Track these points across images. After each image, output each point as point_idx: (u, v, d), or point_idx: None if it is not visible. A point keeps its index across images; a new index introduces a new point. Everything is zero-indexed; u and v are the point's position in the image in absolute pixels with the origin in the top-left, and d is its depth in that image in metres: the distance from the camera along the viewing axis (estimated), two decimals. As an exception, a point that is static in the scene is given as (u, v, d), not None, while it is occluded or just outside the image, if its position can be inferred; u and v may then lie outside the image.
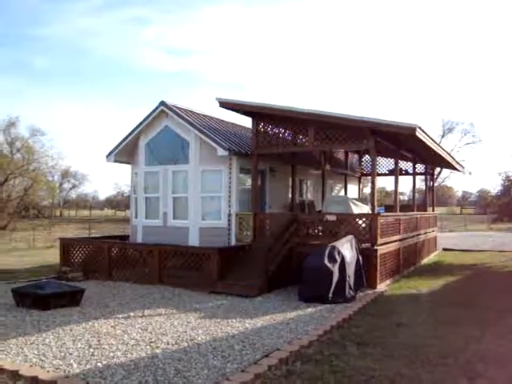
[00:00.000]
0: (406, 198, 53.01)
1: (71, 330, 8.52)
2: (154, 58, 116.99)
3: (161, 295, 12.13)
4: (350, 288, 11.35)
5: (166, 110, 14.91)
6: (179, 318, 9.57)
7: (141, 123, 15.40)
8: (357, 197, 22.88)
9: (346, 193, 22.27)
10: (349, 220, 13.15)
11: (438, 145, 16.28)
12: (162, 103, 14.92)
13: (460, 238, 27.19)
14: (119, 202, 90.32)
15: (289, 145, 14.22)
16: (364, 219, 13.00)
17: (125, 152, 16.07)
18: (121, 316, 9.77)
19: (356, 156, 22.83)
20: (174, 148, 15.02)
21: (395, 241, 14.52)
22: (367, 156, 22.90)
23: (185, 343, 7.74)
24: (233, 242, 14.29)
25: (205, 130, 14.25)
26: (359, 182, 24.02)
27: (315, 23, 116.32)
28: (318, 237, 13.48)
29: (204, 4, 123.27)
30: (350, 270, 11.52)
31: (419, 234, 18.04)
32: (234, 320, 9.38)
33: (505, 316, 9.77)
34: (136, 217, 15.97)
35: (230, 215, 14.33)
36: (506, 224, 45.63)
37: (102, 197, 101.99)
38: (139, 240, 15.49)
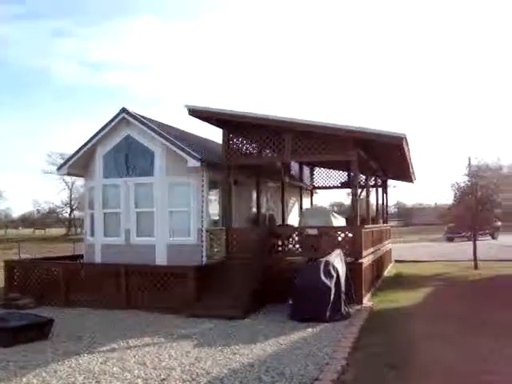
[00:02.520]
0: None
1: (56, 372, 7.15)
2: (73, 71, 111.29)
3: (134, 321, 10.89)
4: (345, 304, 10.79)
5: (128, 118, 13.64)
6: (173, 348, 8.47)
7: (98, 132, 13.97)
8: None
9: (301, 206, 21.90)
10: (331, 233, 12.62)
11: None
12: (124, 110, 13.64)
13: (400, 249, 27.73)
14: (36, 221, 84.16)
15: (262, 156, 13.50)
16: (347, 232, 12.55)
17: (79, 164, 14.51)
18: (104, 349, 8.47)
19: (308, 169, 22.58)
20: (137, 159, 13.74)
21: (371, 253, 14.24)
22: (318, 168, 22.75)
23: (203, 378, 6.70)
24: (204, 260, 13.25)
25: (173, 139, 13.17)
26: (311, 195, 23.77)
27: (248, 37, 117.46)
28: (298, 252, 12.83)
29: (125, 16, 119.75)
30: (343, 286, 10.98)
31: (382, 247, 17.99)
32: (237, 347, 8.43)
33: (507, 327, 9.64)
34: (92, 235, 14.41)
35: (201, 231, 13.28)
36: (435, 234, 47.89)
37: (15, 214, 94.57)
38: (98, 260, 13.96)
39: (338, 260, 11.19)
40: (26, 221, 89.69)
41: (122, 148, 13.95)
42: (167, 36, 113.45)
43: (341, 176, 22.30)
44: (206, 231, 13.34)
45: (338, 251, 11.57)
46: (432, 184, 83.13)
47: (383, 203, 21.68)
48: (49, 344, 8.82)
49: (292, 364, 7.22)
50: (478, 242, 20.68)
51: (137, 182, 13.64)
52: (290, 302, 11.24)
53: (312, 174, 22.92)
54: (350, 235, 12.43)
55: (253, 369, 7.07)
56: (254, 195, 16.68)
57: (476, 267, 19.46)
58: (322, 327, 9.75)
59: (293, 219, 20.61)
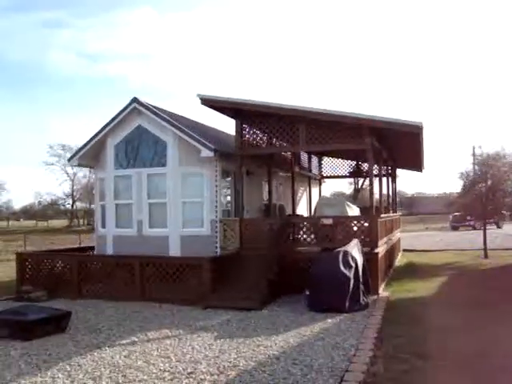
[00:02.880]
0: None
1: (80, 365, 7.06)
2: (70, 62, 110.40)
3: (151, 313, 10.77)
4: (363, 295, 10.70)
5: (140, 108, 13.46)
6: (194, 340, 8.38)
7: (109, 123, 13.80)
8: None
9: (310, 196, 21.77)
10: (346, 223, 12.50)
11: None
12: (135, 100, 13.46)
13: (407, 239, 27.67)
14: (37, 212, 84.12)
15: (275, 145, 13.34)
16: (363, 221, 12.42)
17: (89, 155, 14.35)
18: (125, 342, 8.38)
19: (316, 158, 22.42)
20: (149, 149, 13.59)
21: (385, 243, 14.13)
22: (327, 158, 22.59)
23: (232, 372, 6.60)
24: (218, 251, 13.15)
25: (185, 129, 13.00)
26: (319, 185, 23.63)
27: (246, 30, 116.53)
28: (312, 242, 12.71)
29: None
30: (361, 276, 10.87)
31: (393, 236, 17.88)
32: (259, 338, 8.34)
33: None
34: (103, 226, 14.29)
35: (214, 222, 13.17)
36: (438, 223, 47.88)
37: (17, 206, 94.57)
38: (109, 252, 13.86)
39: (355, 250, 11.08)
40: (27, 213, 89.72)
41: (134, 138, 13.78)
42: (165, 27, 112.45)
43: (349, 165, 22.16)
44: (220, 222, 13.23)
45: (355, 241, 11.46)
46: (432, 173, 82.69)
47: (393, 192, 21.56)
48: (67, 337, 8.72)
49: (318, 356, 7.13)
50: (477, 232, 20.59)
51: (149, 173, 13.50)
52: (307, 292, 11.15)
53: (320, 164, 22.77)
54: (366, 225, 12.31)
55: (279, 361, 6.98)
56: (265, 185, 16.56)
57: (486, 256, 19.38)
58: (342, 318, 9.66)
59: (302, 209, 20.51)
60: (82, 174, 69.76)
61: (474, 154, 20.89)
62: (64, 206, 71.76)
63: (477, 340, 7.89)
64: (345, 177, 22.70)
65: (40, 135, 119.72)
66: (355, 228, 12.42)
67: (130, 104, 13.51)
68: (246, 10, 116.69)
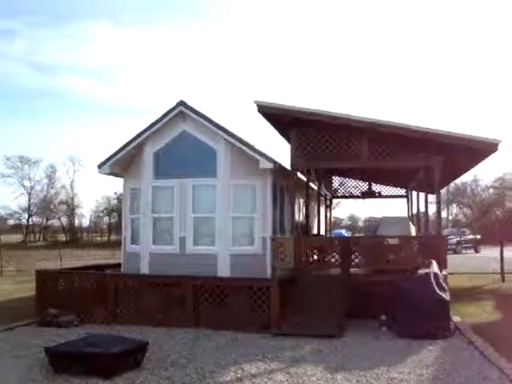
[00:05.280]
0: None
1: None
2: (22, 75, 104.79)
3: (216, 342, 9.56)
4: (450, 319, 9.92)
5: (187, 112, 12.24)
6: (307, 374, 7.35)
7: (148, 128, 12.46)
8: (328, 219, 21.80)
9: (326, 215, 20.97)
10: (413, 243, 11.73)
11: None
12: (182, 103, 12.23)
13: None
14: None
15: (335, 159, 12.42)
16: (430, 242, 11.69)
17: (121, 163, 12.92)
18: (227, 379, 7.16)
19: (325, 176, 21.67)
20: (195, 158, 12.32)
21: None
22: (337, 177, 21.90)
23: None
24: (268, 272, 12.01)
25: (240, 137, 11.91)
26: (330, 204, 22.87)
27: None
28: (361, 263, 11.86)
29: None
30: (447, 300, 10.10)
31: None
32: (378, 371, 7.47)
33: None
34: (136, 242, 12.80)
35: (265, 239, 12.06)
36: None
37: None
38: (144, 271, 12.38)
39: (438, 271, 10.33)
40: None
41: (177, 145, 12.51)
42: (125, 41, 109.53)
43: (361, 186, 21.58)
44: (272, 240, 12.13)
45: (434, 262, 10.69)
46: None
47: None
48: (147, 373, 7.38)
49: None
50: (462, 256, 20.32)
51: (195, 184, 12.23)
52: (383, 317, 10.35)
53: (330, 183, 22.04)
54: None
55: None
56: (298, 202, 15.61)
57: (503, 280, 19.13)
58: (444, 344, 9.03)
59: (319, 228, 19.67)
60: (40, 187, 66.35)
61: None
62: (20, 220, 67.52)
63: None
64: (356, 197, 22.07)
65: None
66: (415, 248, 11.70)
67: (175, 107, 12.27)
68: (212, 22, 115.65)
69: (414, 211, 20.41)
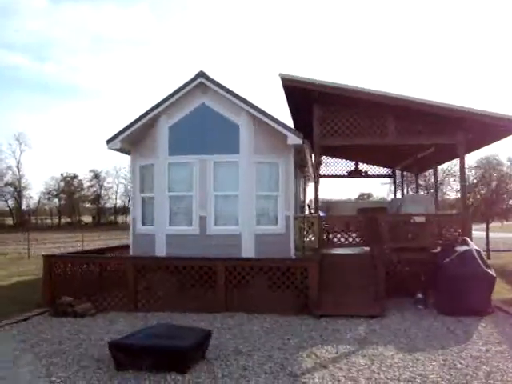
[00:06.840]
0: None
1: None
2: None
3: (259, 327, 9.02)
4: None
5: (207, 84, 11.44)
6: (384, 357, 7.06)
7: (163, 101, 11.55)
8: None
9: (304, 193, 20.64)
10: (439, 221, 11.65)
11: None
12: (202, 74, 11.41)
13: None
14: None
15: (361, 136, 12.05)
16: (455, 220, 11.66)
17: (131, 138, 11.95)
18: (309, 367, 6.72)
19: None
20: (215, 133, 11.58)
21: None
22: (325, 156, 21.65)
23: None
24: (292, 251, 11.60)
25: (266, 111, 11.28)
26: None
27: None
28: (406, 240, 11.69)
29: None
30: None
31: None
32: (453, 349, 7.23)
33: None
34: (150, 223, 11.95)
35: (289, 218, 11.61)
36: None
37: None
38: (161, 253, 11.60)
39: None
40: None
41: (195, 119, 11.70)
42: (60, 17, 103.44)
43: (347, 165, 21.48)
44: (296, 219, 11.70)
45: (469, 240, 10.64)
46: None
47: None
48: (219, 364, 6.77)
49: None
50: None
51: (216, 161, 11.51)
52: (420, 295, 10.27)
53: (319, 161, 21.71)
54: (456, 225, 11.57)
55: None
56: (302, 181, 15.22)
57: (488, 257, 19.68)
58: (494, 321, 9.06)
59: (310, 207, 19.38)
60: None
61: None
62: None
63: None
64: (342, 176, 21.93)
65: None
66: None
67: (194, 78, 11.43)
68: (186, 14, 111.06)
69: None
